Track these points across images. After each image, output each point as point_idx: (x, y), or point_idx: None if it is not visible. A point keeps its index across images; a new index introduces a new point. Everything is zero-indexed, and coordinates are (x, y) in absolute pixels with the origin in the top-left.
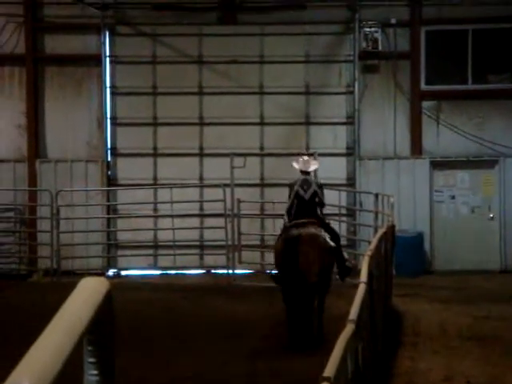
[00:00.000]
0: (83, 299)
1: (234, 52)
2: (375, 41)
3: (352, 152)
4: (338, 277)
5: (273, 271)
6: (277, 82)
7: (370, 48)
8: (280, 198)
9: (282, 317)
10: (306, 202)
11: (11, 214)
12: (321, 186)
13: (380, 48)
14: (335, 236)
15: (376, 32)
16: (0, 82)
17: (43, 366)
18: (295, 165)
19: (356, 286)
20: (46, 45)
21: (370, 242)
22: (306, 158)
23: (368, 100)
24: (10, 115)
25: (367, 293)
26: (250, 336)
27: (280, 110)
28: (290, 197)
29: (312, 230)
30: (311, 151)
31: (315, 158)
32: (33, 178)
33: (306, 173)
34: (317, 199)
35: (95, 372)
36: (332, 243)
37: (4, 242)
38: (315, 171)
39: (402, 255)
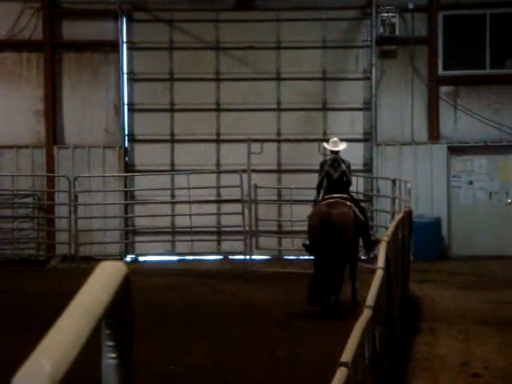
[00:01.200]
0: (101, 283)
1: (250, 38)
2: (392, 26)
3: (369, 138)
4: (363, 249)
5: (306, 242)
6: (294, 68)
7: (387, 33)
8: (297, 184)
9: (300, 302)
10: (334, 181)
11: (30, 199)
12: (349, 166)
13: (397, 33)
14: (363, 211)
15: (393, 17)
16: (18, 69)
17: (62, 348)
18: (325, 145)
19: (373, 272)
20: (63, 31)
21: (387, 228)
22: (335, 139)
23: (385, 85)
24: (28, 101)
25: (384, 278)
26: (268, 322)
27: (297, 95)
28: (319, 174)
29: (342, 205)
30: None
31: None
32: (51, 164)
33: (335, 152)
34: (345, 178)
35: (114, 355)
36: (361, 217)
37: (22, 227)
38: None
39: (420, 241)
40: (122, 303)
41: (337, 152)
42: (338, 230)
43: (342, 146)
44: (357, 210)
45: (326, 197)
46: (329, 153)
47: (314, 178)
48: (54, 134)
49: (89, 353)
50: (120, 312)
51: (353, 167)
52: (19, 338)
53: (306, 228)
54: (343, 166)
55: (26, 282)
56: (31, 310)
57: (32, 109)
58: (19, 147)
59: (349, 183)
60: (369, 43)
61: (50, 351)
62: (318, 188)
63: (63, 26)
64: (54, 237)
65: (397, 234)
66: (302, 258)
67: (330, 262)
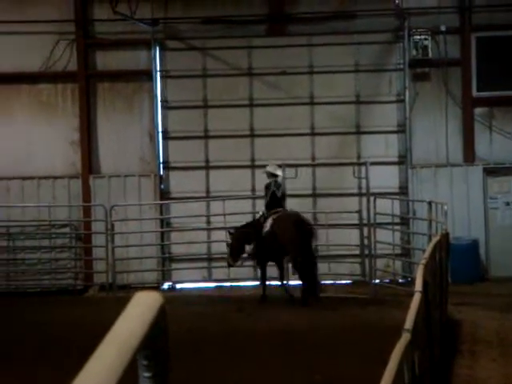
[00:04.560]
0: (137, 314)
1: (283, 63)
2: (425, 48)
3: (404, 160)
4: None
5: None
6: (327, 92)
7: (420, 56)
8: (332, 208)
9: (337, 326)
10: (279, 199)
11: (67, 229)
12: (284, 188)
13: (430, 55)
14: None
15: (426, 39)
16: (53, 100)
17: (100, 380)
18: (268, 168)
19: (411, 295)
20: (97, 61)
21: (424, 251)
22: (274, 165)
23: (419, 108)
24: (63, 132)
25: (423, 302)
26: (305, 347)
27: (331, 119)
28: (266, 195)
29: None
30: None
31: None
32: (87, 194)
33: (275, 175)
34: (283, 197)
35: None
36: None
37: (60, 257)
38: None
39: (457, 263)
40: (158, 334)
41: (277, 176)
42: (310, 229)
43: (280, 172)
44: None
45: (275, 211)
46: (272, 175)
47: (349, 202)
48: (89, 164)
49: None
50: (156, 343)
51: (388, 190)
52: (58, 368)
53: (343, 252)
54: (282, 188)
55: (64, 312)
56: (69, 340)
57: (68, 139)
58: (55, 178)
59: (284, 198)
60: (402, 66)
61: (88, 383)
62: (267, 206)
63: (97, 56)
64: (91, 266)
65: (434, 257)
66: (338, 282)
67: (304, 259)
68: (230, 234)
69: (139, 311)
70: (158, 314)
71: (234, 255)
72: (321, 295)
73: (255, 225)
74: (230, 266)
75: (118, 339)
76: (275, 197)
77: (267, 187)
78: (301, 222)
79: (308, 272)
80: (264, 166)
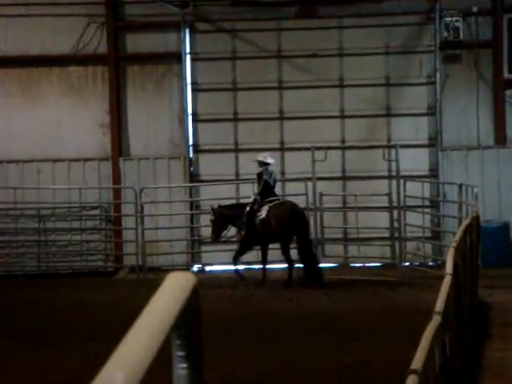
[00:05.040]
0: (171, 293)
1: (313, 45)
2: (456, 30)
3: (434, 143)
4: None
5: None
6: (357, 75)
7: (451, 37)
8: (362, 191)
9: (368, 308)
10: (271, 187)
11: (97, 211)
12: (275, 176)
13: (461, 37)
14: None
15: (457, 21)
16: (83, 82)
17: (135, 359)
18: (259, 157)
19: (441, 278)
20: (127, 44)
21: (454, 234)
22: (265, 153)
23: (450, 90)
24: (93, 115)
25: (453, 284)
26: (336, 330)
27: (360, 102)
28: (259, 183)
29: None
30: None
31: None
32: (117, 176)
33: (267, 164)
34: (275, 185)
35: (184, 365)
36: None
37: (90, 239)
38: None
39: (488, 246)
40: (191, 313)
41: (268, 164)
42: (304, 217)
43: (271, 160)
44: None
45: (270, 199)
46: (266, 162)
47: (379, 185)
48: (119, 146)
49: (160, 363)
50: (190, 322)
51: (418, 173)
52: (91, 349)
53: (373, 235)
54: (274, 176)
55: (96, 294)
56: (102, 321)
57: (98, 122)
58: (86, 160)
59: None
60: (432, 48)
61: (123, 362)
62: (261, 193)
63: (127, 39)
64: (121, 248)
65: (465, 240)
66: (368, 265)
67: (301, 245)
68: (213, 210)
69: (172, 291)
70: (191, 294)
71: (217, 232)
72: (325, 280)
73: (242, 208)
74: (213, 241)
75: (152, 318)
76: (268, 185)
77: (259, 175)
78: (296, 211)
79: (310, 259)
80: (294, 150)
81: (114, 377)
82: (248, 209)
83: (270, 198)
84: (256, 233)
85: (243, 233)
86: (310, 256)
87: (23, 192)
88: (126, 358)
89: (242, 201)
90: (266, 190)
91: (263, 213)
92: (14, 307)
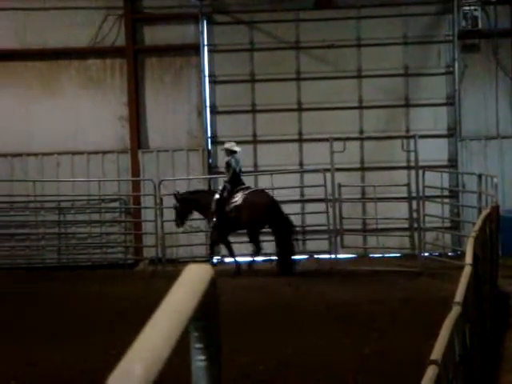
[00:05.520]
0: (189, 285)
1: (331, 36)
2: (475, 19)
3: (453, 133)
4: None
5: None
6: (375, 65)
7: (469, 27)
8: (380, 181)
9: (387, 299)
10: (238, 175)
11: (116, 204)
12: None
13: (480, 26)
14: None
15: (475, 10)
16: (102, 75)
17: (154, 351)
18: (227, 146)
19: (461, 268)
20: (145, 36)
21: (474, 224)
22: (232, 142)
23: (468, 80)
24: (112, 107)
25: (473, 275)
26: (355, 320)
27: (379, 92)
28: (229, 171)
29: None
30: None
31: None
32: (136, 168)
33: (235, 152)
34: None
35: (202, 357)
36: None
37: (110, 231)
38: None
39: (507, 236)
40: (209, 305)
41: (235, 152)
42: (281, 208)
43: (238, 148)
44: None
45: (243, 187)
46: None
47: (397, 175)
48: (138, 139)
49: (178, 355)
50: (208, 314)
51: (437, 163)
52: (110, 341)
53: (392, 225)
54: (240, 164)
55: (115, 286)
56: (121, 313)
57: (116, 114)
58: (105, 152)
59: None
60: (451, 37)
61: (142, 354)
62: (231, 181)
63: (145, 31)
64: (141, 240)
65: (484, 230)
66: (387, 255)
67: (281, 235)
68: (175, 196)
69: (191, 283)
70: (209, 286)
71: (181, 218)
72: (298, 269)
73: (207, 194)
74: (178, 226)
75: (171, 309)
76: (235, 173)
77: (228, 164)
78: (275, 201)
79: (288, 251)
80: (312, 141)
81: (132, 369)
82: (218, 196)
83: (241, 186)
84: (226, 220)
85: (214, 219)
86: (288, 247)
87: (43, 185)
88: (145, 350)
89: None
90: (235, 177)
91: (238, 200)
92: (34, 299)
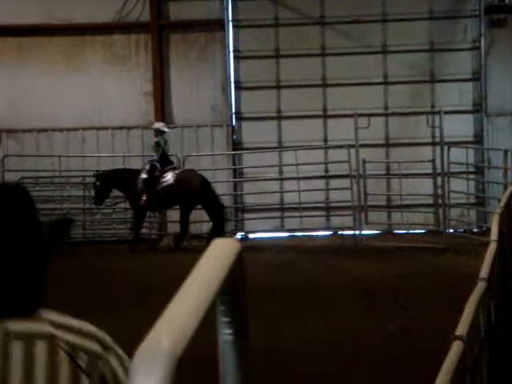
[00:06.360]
0: (216, 259)
1: (356, 11)
2: None
3: (479, 109)
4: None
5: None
6: (400, 40)
7: (496, 1)
8: (405, 158)
9: (412, 275)
10: (166, 155)
11: None
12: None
13: (507, 1)
14: None
15: None
16: (127, 51)
17: (181, 324)
18: (157, 125)
19: (486, 245)
20: (170, 11)
21: (499, 200)
22: (161, 123)
23: (495, 55)
24: (136, 83)
25: (498, 251)
26: (379, 297)
27: (404, 68)
28: (157, 151)
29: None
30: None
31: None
32: None
33: (163, 132)
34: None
35: (229, 331)
36: None
37: None
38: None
39: None
40: (236, 279)
41: (164, 132)
42: (211, 186)
43: (167, 129)
44: None
45: (172, 166)
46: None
47: (422, 152)
48: (162, 115)
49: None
50: (234, 288)
51: (462, 139)
52: (137, 314)
53: (417, 201)
54: (168, 144)
55: (140, 261)
56: (147, 287)
57: (141, 90)
58: (129, 128)
59: None
60: (477, 12)
61: (169, 328)
62: (160, 160)
63: (170, 7)
64: (165, 215)
65: (510, 206)
66: (412, 231)
67: (213, 213)
68: (96, 176)
69: (217, 257)
70: (236, 260)
71: (101, 197)
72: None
73: (132, 173)
74: (96, 205)
75: (197, 283)
76: (164, 153)
77: (157, 143)
78: (206, 180)
79: (220, 227)
80: (337, 117)
81: (159, 341)
82: (145, 175)
83: (170, 166)
84: (156, 198)
85: (144, 198)
86: (219, 225)
87: (68, 160)
88: (172, 324)
89: (285, 169)
90: (163, 157)
91: (169, 179)
92: (59, 275)
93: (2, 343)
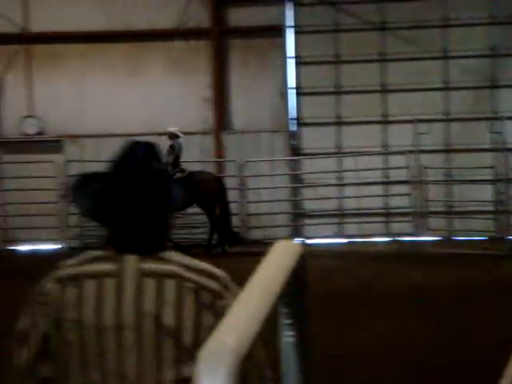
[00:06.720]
0: (278, 261)
1: (416, 16)
2: None
3: None
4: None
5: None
6: (461, 46)
7: None
8: (466, 164)
9: (472, 282)
10: (178, 158)
11: None
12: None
13: None
14: None
15: None
16: (186, 57)
17: (245, 324)
18: (172, 129)
19: None
20: (229, 18)
21: None
22: (176, 128)
23: None
24: (196, 88)
25: None
26: (439, 304)
27: (465, 73)
28: (172, 155)
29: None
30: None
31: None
32: (219, 150)
33: (178, 136)
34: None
35: (291, 333)
36: None
37: (195, 211)
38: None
39: None
40: (298, 282)
41: (179, 137)
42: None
43: (182, 134)
44: None
45: (177, 170)
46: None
47: (483, 158)
48: (221, 120)
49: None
50: (297, 291)
51: None
52: None
53: (477, 208)
54: (181, 149)
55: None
56: None
57: (200, 96)
58: (189, 133)
59: None
60: None
61: (233, 328)
62: (174, 165)
63: (229, 13)
64: None
65: None
66: (472, 238)
67: (224, 214)
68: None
69: (280, 259)
70: (298, 263)
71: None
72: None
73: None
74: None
75: (260, 285)
76: (177, 157)
77: (172, 147)
78: (221, 180)
79: (226, 224)
80: (396, 122)
81: (224, 341)
82: None
83: (178, 168)
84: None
85: None
86: (228, 224)
87: None
88: (236, 324)
89: (345, 174)
90: (177, 162)
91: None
92: None
93: (138, 280)
